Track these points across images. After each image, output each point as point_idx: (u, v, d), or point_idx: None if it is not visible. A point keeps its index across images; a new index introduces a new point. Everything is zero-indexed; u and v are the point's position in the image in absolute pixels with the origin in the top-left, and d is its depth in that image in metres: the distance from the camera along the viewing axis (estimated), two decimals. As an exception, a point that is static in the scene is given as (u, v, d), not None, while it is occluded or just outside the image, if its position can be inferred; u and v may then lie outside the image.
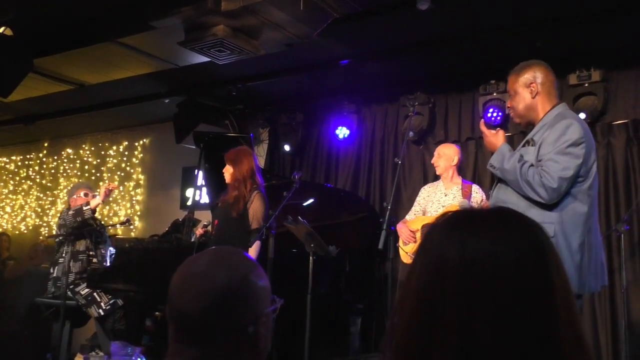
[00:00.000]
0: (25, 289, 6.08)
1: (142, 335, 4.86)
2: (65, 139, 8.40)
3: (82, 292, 4.74)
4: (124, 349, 4.14)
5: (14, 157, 9.09)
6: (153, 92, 6.20)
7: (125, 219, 6.36)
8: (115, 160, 7.98)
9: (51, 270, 4.99)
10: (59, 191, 8.44)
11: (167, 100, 6.22)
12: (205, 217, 5.18)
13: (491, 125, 4.48)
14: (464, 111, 5.44)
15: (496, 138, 2.77)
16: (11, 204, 8.93)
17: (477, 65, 5.14)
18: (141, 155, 7.81)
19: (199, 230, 4.74)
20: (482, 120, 4.57)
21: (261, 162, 6.42)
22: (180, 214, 6.48)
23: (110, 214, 7.85)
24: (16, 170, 9.03)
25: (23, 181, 8.90)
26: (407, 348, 0.82)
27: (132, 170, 7.84)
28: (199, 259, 1.23)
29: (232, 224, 4.02)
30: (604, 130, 4.83)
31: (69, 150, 8.43)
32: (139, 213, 7.68)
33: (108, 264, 4.99)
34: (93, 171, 8.12)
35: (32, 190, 8.75)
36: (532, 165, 2.58)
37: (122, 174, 7.87)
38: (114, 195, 7.54)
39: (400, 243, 4.46)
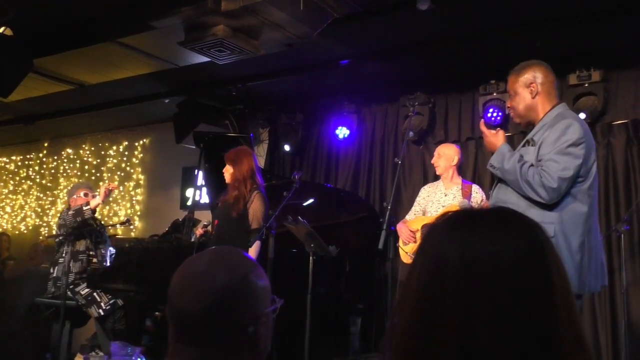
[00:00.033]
0: (25, 289, 6.07)
1: (142, 335, 4.85)
2: (65, 139, 8.40)
3: (82, 292, 4.74)
4: (124, 349, 4.14)
5: (14, 157, 9.09)
6: (153, 92, 6.20)
7: (125, 219, 6.36)
8: (115, 160, 7.98)
9: (51, 270, 4.99)
10: (59, 191, 8.44)
11: (167, 100, 6.22)
12: (205, 217, 5.17)
13: (491, 125, 4.48)
14: (464, 111, 5.43)
15: (496, 138, 2.77)
16: (11, 204, 8.92)
17: (477, 65, 5.13)
18: (141, 155, 7.81)
19: (199, 230, 4.74)
20: (482, 120, 4.56)
21: (261, 162, 6.41)
22: (180, 214, 6.48)
23: (110, 214, 7.85)
24: (16, 170, 9.03)
25: (23, 181, 8.89)
26: (407, 348, 0.82)
27: (132, 170, 7.83)
28: (199, 259, 1.23)
29: (232, 224, 4.02)
30: (604, 130, 4.83)
31: (69, 150, 8.42)
32: (139, 213, 7.68)
33: (108, 264, 4.99)
34: (93, 171, 8.11)
35: (32, 190, 8.75)
36: (532, 165, 2.58)
37: (122, 174, 7.87)
38: (114, 195, 7.54)
39: (400, 243, 4.46)
